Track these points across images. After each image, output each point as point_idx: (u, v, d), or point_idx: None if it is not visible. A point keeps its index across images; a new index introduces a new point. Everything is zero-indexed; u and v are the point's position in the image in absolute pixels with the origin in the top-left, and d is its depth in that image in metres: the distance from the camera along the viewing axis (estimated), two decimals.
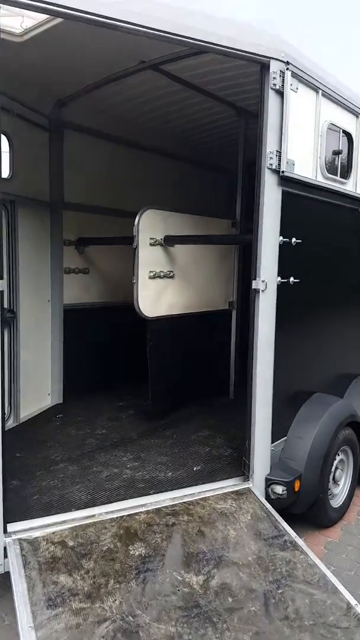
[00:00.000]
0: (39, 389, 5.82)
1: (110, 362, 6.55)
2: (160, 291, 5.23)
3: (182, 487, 3.97)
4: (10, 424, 5.26)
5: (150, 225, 4.99)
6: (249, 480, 4.06)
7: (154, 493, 3.86)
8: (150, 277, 5.07)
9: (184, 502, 3.74)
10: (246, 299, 4.14)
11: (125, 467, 4.30)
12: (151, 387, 5.26)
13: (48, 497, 3.74)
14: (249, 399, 4.02)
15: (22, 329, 5.30)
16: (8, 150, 5.06)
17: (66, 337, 5.96)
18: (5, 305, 5.11)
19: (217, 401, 6.15)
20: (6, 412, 5.23)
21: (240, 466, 4.24)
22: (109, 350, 6.51)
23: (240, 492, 3.95)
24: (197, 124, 6.53)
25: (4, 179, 4.97)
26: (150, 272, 5.07)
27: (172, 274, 5.31)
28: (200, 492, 3.90)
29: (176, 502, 3.74)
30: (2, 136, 4.95)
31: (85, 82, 5.20)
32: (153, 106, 5.88)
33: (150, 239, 5.02)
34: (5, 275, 5.11)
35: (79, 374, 6.19)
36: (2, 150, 4.78)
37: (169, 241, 5.14)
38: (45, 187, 5.68)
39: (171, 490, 3.92)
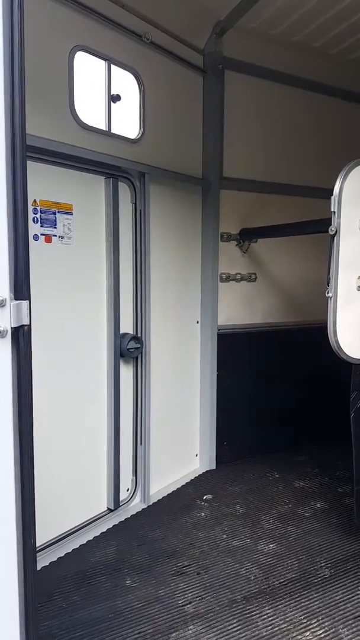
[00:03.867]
0: (183, 448, 4.03)
1: (285, 414, 4.44)
2: None
3: None
4: (134, 504, 3.54)
5: None
6: None
7: None
8: None
9: None
10: None
11: None
12: (357, 485, 3.00)
13: None
14: None
15: (154, 365, 3.55)
16: (138, 96, 3.37)
17: (221, 375, 4.05)
18: (128, 330, 3.42)
19: None
20: (129, 488, 3.53)
21: None
22: (286, 395, 4.42)
23: None
24: None
25: (129, 139, 3.30)
26: None
27: None
28: None
29: None
30: (129, 74, 3.29)
31: None
32: None
33: None
34: (131, 285, 3.46)
35: (240, 429, 4.25)
36: (113, 96, 3.15)
37: None
38: (196, 156, 3.87)
39: None
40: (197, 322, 3.99)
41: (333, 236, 2.73)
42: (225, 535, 3.19)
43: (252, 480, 3.95)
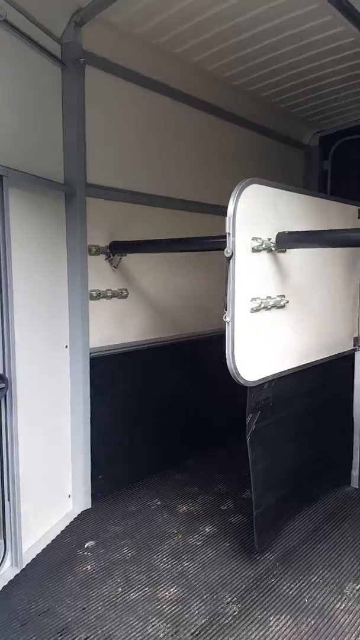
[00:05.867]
0: (54, 490, 3.53)
1: (161, 432, 4.25)
2: (268, 333, 2.93)
3: None
4: (5, 571, 2.96)
5: (255, 215, 2.69)
6: None
7: None
8: (253, 310, 2.76)
9: None
10: None
11: None
12: (256, 509, 2.94)
13: None
14: None
15: (20, 401, 3.00)
16: None
17: (95, 403, 3.67)
18: None
19: (336, 497, 3.84)
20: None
21: None
22: (162, 413, 4.24)
23: None
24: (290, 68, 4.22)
25: None
26: (254, 300, 2.76)
27: (284, 301, 3.00)
28: None
29: None
30: None
31: None
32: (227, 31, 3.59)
33: (254, 239, 2.72)
34: None
35: (116, 458, 3.92)
36: None
37: (285, 242, 2.83)
38: (57, 159, 3.40)
39: None
40: (66, 346, 3.53)
41: (229, 259, 2.60)
42: (120, 589, 2.85)
43: (134, 514, 3.66)
